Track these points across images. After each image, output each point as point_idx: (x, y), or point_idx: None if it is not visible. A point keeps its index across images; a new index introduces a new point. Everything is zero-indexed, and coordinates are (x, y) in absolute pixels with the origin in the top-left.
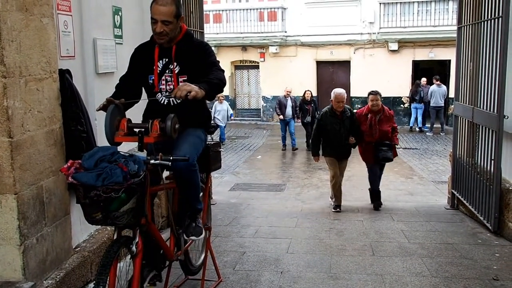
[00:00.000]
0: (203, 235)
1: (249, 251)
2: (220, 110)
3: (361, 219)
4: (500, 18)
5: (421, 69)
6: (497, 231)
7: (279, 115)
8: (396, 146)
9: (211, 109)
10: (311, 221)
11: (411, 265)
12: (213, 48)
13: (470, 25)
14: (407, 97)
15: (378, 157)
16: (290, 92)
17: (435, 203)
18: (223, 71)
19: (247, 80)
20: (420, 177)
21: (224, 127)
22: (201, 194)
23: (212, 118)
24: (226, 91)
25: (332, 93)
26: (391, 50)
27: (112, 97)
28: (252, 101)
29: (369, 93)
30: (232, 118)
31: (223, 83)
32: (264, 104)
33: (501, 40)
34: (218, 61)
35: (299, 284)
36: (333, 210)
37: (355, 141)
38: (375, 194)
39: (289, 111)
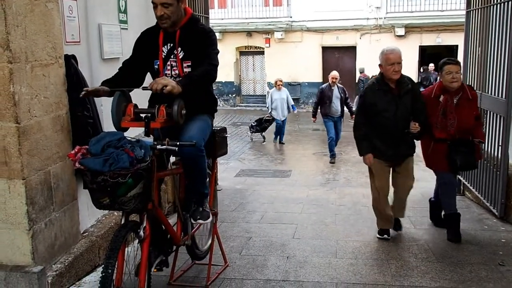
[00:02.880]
0: (210, 219)
1: (255, 236)
2: (277, 99)
3: (367, 205)
4: (510, 2)
5: (428, 55)
6: (503, 217)
7: (314, 115)
8: (481, 143)
9: (267, 98)
10: (317, 207)
11: (417, 250)
12: (218, 33)
13: (479, 9)
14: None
15: (455, 163)
16: (337, 79)
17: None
18: (215, 65)
19: (252, 66)
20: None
21: (284, 121)
22: (208, 179)
23: (269, 110)
24: (232, 77)
25: (380, 55)
26: (397, 35)
27: (113, 79)
28: (257, 87)
29: (445, 62)
30: (295, 111)
31: (208, 79)
32: (269, 90)
33: (511, 24)
34: (217, 52)
35: (305, 269)
36: (378, 235)
37: (419, 128)
38: (454, 220)
39: (336, 105)
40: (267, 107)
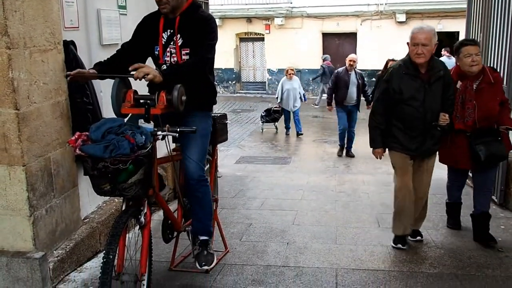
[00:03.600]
0: (214, 263)
1: (256, 222)
2: (289, 89)
3: (367, 192)
4: None
5: None
6: (503, 203)
7: (329, 103)
8: (508, 130)
9: (279, 86)
10: (317, 194)
11: None
12: (217, 20)
13: None
14: None
15: (477, 155)
16: (355, 62)
17: (441, 176)
18: (207, 57)
19: (252, 52)
20: None
21: (296, 112)
22: (208, 166)
23: (279, 99)
24: (231, 63)
25: (411, 33)
26: (398, 22)
27: (109, 61)
28: (257, 74)
29: (462, 43)
30: (306, 102)
31: (195, 71)
32: (269, 77)
33: None
34: (213, 43)
35: (305, 255)
36: (392, 244)
37: (449, 121)
38: (455, 209)
39: (352, 92)
40: (276, 97)
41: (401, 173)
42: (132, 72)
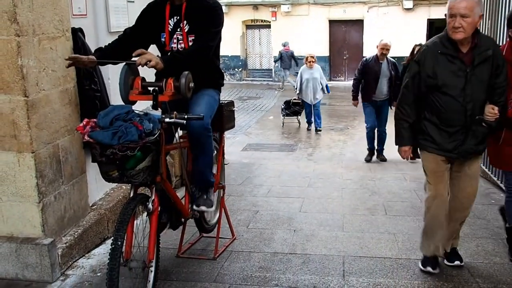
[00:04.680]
0: (213, 208)
1: (262, 210)
2: (308, 78)
3: (374, 179)
4: None
5: (436, 28)
6: None
7: (355, 97)
8: None
9: (298, 76)
10: (323, 181)
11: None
12: (224, 7)
13: None
14: None
15: None
16: (389, 50)
17: None
18: (209, 45)
19: (258, 40)
20: None
21: (317, 105)
22: (215, 153)
23: (297, 91)
24: (238, 51)
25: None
26: (405, 8)
27: (111, 46)
28: (264, 61)
29: None
30: (330, 93)
31: (196, 59)
32: (276, 65)
33: None
34: (217, 31)
35: (312, 242)
36: (421, 267)
37: (498, 115)
38: None
39: (382, 85)
40: (295, 88)
41: (434, 180)
42: (134, 58)
